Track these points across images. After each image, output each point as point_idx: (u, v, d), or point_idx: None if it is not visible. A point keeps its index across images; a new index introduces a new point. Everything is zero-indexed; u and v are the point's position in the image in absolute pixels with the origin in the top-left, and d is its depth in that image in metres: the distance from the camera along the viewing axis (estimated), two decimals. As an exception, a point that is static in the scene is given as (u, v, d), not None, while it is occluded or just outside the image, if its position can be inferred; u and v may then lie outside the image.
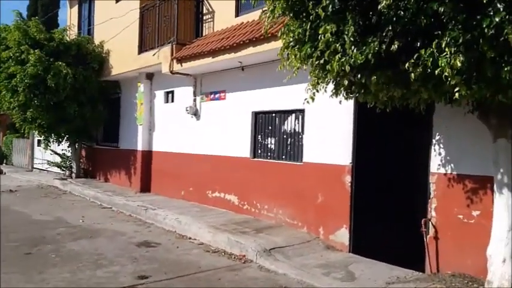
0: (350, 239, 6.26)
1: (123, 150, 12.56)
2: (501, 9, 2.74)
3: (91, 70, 12.41)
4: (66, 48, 12.26)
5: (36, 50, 11.53)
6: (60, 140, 13.76)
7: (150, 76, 11.23)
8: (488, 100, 3.48)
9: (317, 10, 3.50)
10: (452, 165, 5.27)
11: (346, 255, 6.13)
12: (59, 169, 15.10)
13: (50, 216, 8.77)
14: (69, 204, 10.48)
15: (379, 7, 3.14)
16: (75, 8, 14.88)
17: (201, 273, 5.44)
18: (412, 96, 3.83)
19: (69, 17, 15.25)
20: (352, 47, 3.32)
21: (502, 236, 4.25)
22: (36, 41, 11.98)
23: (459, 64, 2.83)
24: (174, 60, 9.04)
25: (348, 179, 6.32)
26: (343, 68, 3.45)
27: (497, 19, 2.76)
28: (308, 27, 3.66)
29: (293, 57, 4.05)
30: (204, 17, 9.55)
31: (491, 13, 2.80)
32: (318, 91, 4.75)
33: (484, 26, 2.82)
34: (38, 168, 18.20)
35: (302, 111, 7.12)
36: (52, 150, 14.69)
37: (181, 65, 8.89)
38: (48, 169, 16.53)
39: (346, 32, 3.34)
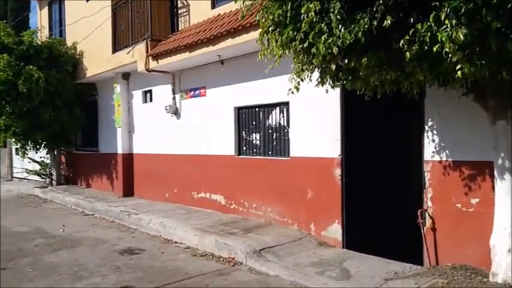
0: (343, 234, 6.06)
1: (103, 154, 12.22)
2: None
3: (65, 73, 11.98)
4: (37, 52, 11.77)
5: (4, 55, 11.05)
6: (38, 147, 13.29)
7: (126, 76, 10.87)
8: (486, 79, 3.20)
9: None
10: (447, 152, 5.03)
11: (340, 251, 5.91)
12: (39, 177, 14.63)
13: (28, 227, 8.38)
14: (49, 213, 10.13)
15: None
16: (45, 10, 14.44)
17: (188, 280, 5.15)
18: (405, 79, 3.53)
19: (39, 19, 14.77)
20: (339, 26, 3.00)
21: (505, 224, 4.03)
22: (5, 45, 11.45)
23: (462, 37, 2.53)
24: (150, 58, 8.69)
25: (337, 172, 6.09)
26: (330, 51, 3.12)
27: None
28: (289, 7, 3.31)
29: (274, 43, 3.71)
30: (179, 11, 9.22)
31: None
32: (302, 80, 4.47)
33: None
34: (18, 178, 17.63)
35: (287, 103, 6.87)
36: (30, 158, 14.22)
37: (158, 62, 8.55)
38: (28, 178, 16.01)
39: (332, 10, 3.00)
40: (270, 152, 7.36)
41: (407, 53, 2.86)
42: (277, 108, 7.17)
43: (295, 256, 5.62)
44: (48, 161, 14.12)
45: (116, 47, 10.29)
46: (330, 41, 3.06)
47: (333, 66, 3.41)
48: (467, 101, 4.46)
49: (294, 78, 4.43)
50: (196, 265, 5.71)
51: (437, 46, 2.69)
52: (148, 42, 8.80)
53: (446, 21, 2.58)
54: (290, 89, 4.46)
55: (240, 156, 7.87)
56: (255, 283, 4.95)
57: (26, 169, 15.17)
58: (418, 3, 2.76)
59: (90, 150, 12.96)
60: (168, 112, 9.25)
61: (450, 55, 2.68)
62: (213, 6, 8.28)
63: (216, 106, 8.26)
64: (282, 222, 6.97)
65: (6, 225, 8.61)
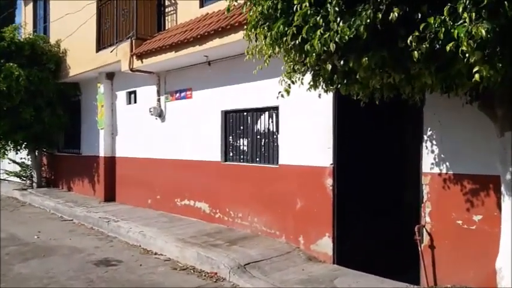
0: (334, 249, 5.70)
1: (85, 156, 11.84)
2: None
3: (47, 71, 11.55)
4: (18, 48, 11.30)
5: (-17, 51, 10.56)
6: (18, 147, 12.84)
7: (110, 76, 10.48)
8: (502, 85, 2.84)
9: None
10: (447, 164, 4.68)
11: (331, 267, 5.54)
12: (19, 179, 14.20)
13: (2, 233, 7.88)
14: (26, 217, 9.69)
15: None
16: (30, 6, 14.04)
17: (166, 298, 4.74)
18: (407, 84, 3.15)
19: (23, 15, 14.39)
20: (338, 19, 2.60)
21: (513, 244, 3.65)
22: (-16, 41, 10.96)
23: (483, 33, 2.14)
24: (134, 57, 8.33)
25: (329, 181, 5.73)
26: (326, 48, 2.73)
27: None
28: (280, -2, 2.91)
29: (263, 39, 3.31)
30: (166, 10, 8.86)
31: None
32: (293, 82, 4.10)
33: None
34: (-2, 179, 17.05)
35: (276, 108, 6.53)
36: (10, 159, 13.75)
37: (142, 62, 8.18)
38: (8, 179, 15.46)
39: (329, 0, 2.61)
40: (257, 159, 7.01)
41: (415, 52, 2.48)
42: (266, 112, 6.82)
43: (282, 272, 5.23)
44: (29, 163, 13.72)
45: (101, 45, 9.95)
46: (326, 36, 2.67)
47: (329, 67, 3.01)
48: (470, 109, 4.13)
49: (284, 80, 4.05)
50: (175, 280, 5.32)
51: (451, 44, 2.32)
52: (133, 41, 8.45)
53: (465, 15, 2.20)
54: (280, 92, 4.08)
55: (227, 163, 7.51)
56: (238, 303, 4.57)
57: (6, 170, 14.78)
58: (429, -7, 2.39)
59: (72, 152, 12.58)
60: (152, 114, 8.88)
61: (467, 55, 2.30)
62: (202, 5, 7.95)
63: (202, 109, 7.90)
64: (269, 234, 6.58)
65: (-22, 231, 8.13)
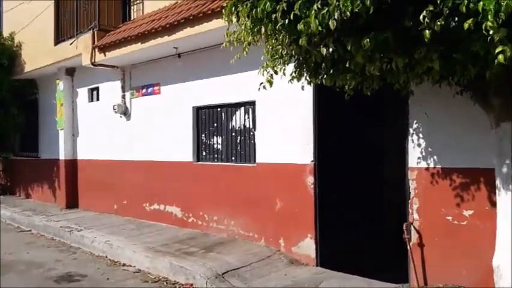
0: (317, 250, 5.43)
1: (44, 160, 11.16)
2: None
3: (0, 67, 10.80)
4: (-34, 43, 10.47)
5: None
6: (-31, 152, 11.91)
7: (70, 71, 9.85)
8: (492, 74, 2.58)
9: None
10: (435, 158, 4.47)
11: (314, 270, 5.27)
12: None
13: None
14: (-24, 230, 8.82)
15: None
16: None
17: (136, 316, 4.27)
18: (408, 71, 2.82)
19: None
20: (338, -8, 2.25)
21: None
22: None
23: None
24: (96, 50, 7.80)
25: (310, 180, 5.45)
26: (322, 27, 2.35)
27: None
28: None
29: (244, 20, 2.90)
30: (132, -1, 8.31)
31: None
32: (276, 72, 3.74)
33: None
34: None
35: (253, 103, 6.20)
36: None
37: (105, 55, 7.66)
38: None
39: (328, -30, 2.26)
40: (233, 158, 6.64)
41: (426, 31, 2.16)
42: (242, 108, 6.47)
43: (264, 279, 4.90)
44: (-18, 168, 12.78)
45: (59, 38, 9.42)
46: (324, 12, 2.30)
47: (323, 51, 2.64)
48: (459, 101, 3.92)
49: (266, 70, 3.69)
50: (147, 293, 4.87)
51: (470, 21, 2.01)
52: (95, 32, 7.94)
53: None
54: (262, 83, 3.71)
55: (199, 163, 7.11)
56: (217, 316, 4.17)
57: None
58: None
59: (30, 155, 11.84)
60: (116, 112, 8.35)
61: (491, 32, 1.99)
62: (171, -6, 7.46)
63: (172, 106, 7.47)
64: (247, 237, 6.23)
65: None
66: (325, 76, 3.64)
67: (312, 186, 5.43)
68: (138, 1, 8.19)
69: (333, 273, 5.07)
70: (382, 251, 5.79)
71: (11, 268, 5.96)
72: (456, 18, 2.07)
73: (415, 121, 4.61)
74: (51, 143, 10.58)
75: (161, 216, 7.66)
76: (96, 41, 7.80)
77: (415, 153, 4.61)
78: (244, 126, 6.46)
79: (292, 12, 2.45)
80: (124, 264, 5.94)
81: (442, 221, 4.38)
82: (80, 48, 8.20)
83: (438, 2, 2.08)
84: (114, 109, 8.30)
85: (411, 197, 4.64)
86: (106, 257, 6.32)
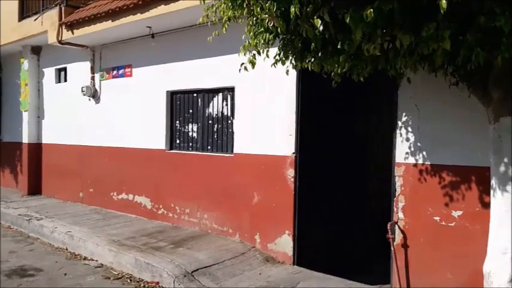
0: (294, 248, 5.13)
1: (6, 143, 10.61)
2: None
3: (-42, 44, 9.96)
4: None
5: None
6: None
7: (36, 50, 9.24)
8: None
9: None
10: (424, 153, 4.20)
11: (291, 269, 4.97)
12: None
13: None
14: None
15: None
16: None
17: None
18: (403, 56, 2.50)
19: None
20: None
21: (505, 247, 3.19)
22: None
23: None
24: (63, 27, 7.32)
25: (290, 173, 5.13)
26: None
27: None
28: None
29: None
30: (104, -27, 7.71)
31: None
32: (259, 53, 3.36)
33: None
34: None
35: (231, 89, 5.84)
36: None
37: (73, 33, 7.18)
38: None
39: None
40: (209, 147, 6.26)
41: (443, 0, 1.81)
42: (220, 94, 6.08)
43: (236, 278, 4.57)
44: None
45: (24, 13, 8.80)
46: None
47: (318, 22, 2.26)
48: (452, 93, 3.68)
49: (248, 50, 3.30)
50: (108, 292, 4.46)
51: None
52: (63, 8, 7.46)
53: None
54: (243, 63, 3.33)
55: (172, 151, 6.71)
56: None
57: None
58: None
59: (-8, 138, 11.13)
60: (85, 95, 7.86)
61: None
62: (145, -31, 6.94)
63: (144, 89, 7.03)
64: (220, 232, 5.87)
65: None
66: (312, 60, 3.30)
67: (293, 179, 5.10)
68: (111, -25, 7.64)
69: (311, 273, 4.81)
70: (364, 250, 5.56)
71: (-43, 260, 5.44)
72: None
73: (404, 113, 4.32)
74: (14, 125, 9.99)
75: (129, 206, 7.24)
76: (63, 17, 7.32)
77: (403, 148, 4.33)
78: (222, 113, 6.07)
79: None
80: (85, 258, 5.52)
81: (429, 222, 4.13)
82: (46, 25, 7.67)
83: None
84: (82, 91, 7.79)
85: (397, 195, 4.37)
86: (66, 249, 5.90)
